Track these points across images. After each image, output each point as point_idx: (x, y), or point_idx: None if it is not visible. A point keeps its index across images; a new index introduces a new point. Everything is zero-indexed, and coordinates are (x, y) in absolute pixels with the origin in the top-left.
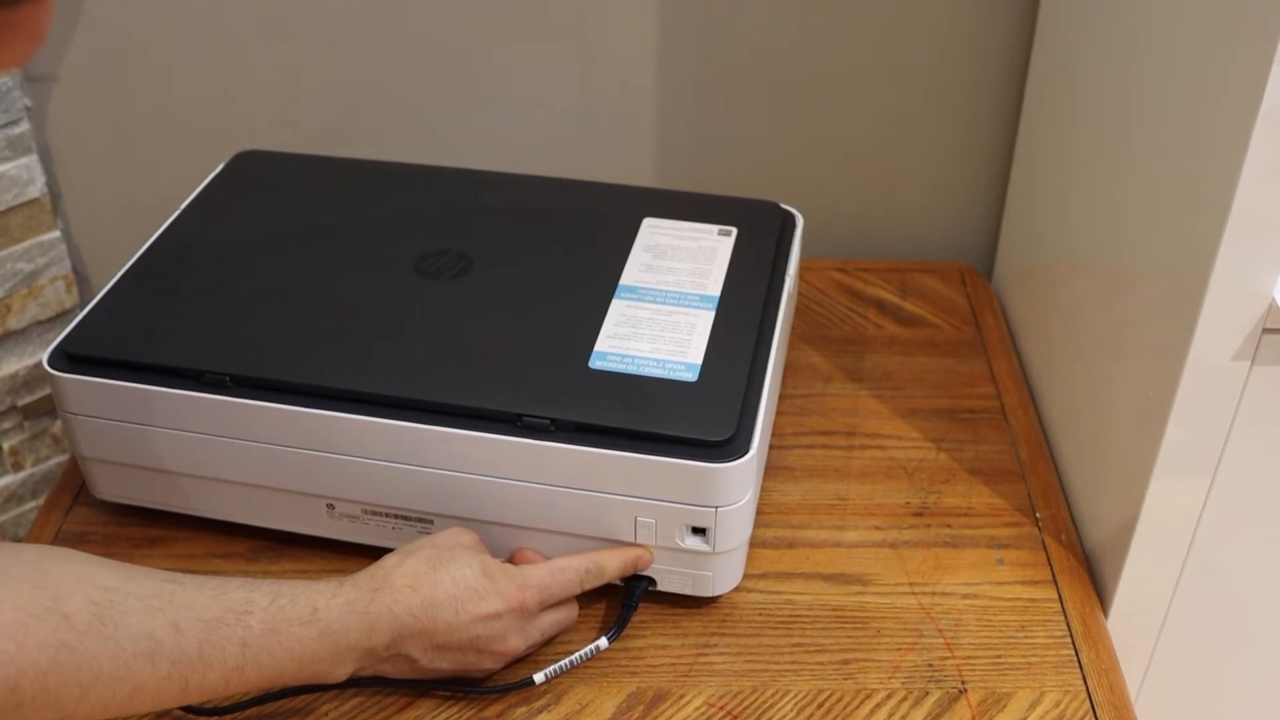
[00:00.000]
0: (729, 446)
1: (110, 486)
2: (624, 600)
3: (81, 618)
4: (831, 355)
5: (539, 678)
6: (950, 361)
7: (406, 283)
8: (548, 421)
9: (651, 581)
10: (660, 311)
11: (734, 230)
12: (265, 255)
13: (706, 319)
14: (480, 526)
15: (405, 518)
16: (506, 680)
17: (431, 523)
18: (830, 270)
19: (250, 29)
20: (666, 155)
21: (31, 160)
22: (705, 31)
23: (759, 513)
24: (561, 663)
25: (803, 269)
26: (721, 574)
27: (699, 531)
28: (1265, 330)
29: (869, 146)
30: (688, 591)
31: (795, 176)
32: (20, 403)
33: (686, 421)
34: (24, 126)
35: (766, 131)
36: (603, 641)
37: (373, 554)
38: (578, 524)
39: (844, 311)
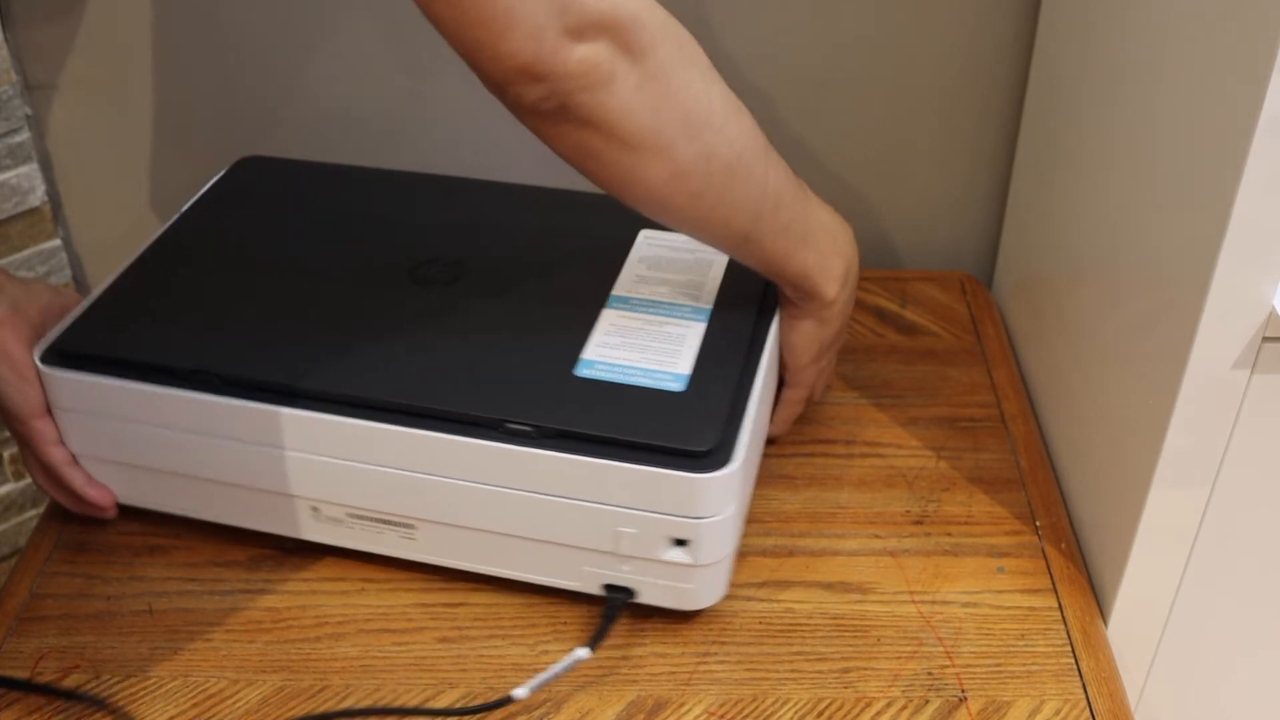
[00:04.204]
0: (712, 457)
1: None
2: (604, 611)
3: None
4: None
5: (521, 693)
6: (950, 370)
7: (399, 288)
8: (530, 428)
9: (630, 593)
10: (651, 322)
11: None
12: (261, 259)
13: (698, 330)
14: (461, 532)
15: (389, 522)
16: (486, 699)
17: (414, 527)
18: None
19: (251, 38)
20: None
21: (32, 169)
22: (704, 41)
23: (758, 521)
24: (542, 676)
25: None
26: (704, 587)
27: (681, 543)
28: (1265, 339)
29: (869, 155)
30: (670, 605)
31: None
32: None
33: (670, 431)
34: (24, 135)
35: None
36: (582, 652)
37: (364, 559)
38: (559, 532)
39: None
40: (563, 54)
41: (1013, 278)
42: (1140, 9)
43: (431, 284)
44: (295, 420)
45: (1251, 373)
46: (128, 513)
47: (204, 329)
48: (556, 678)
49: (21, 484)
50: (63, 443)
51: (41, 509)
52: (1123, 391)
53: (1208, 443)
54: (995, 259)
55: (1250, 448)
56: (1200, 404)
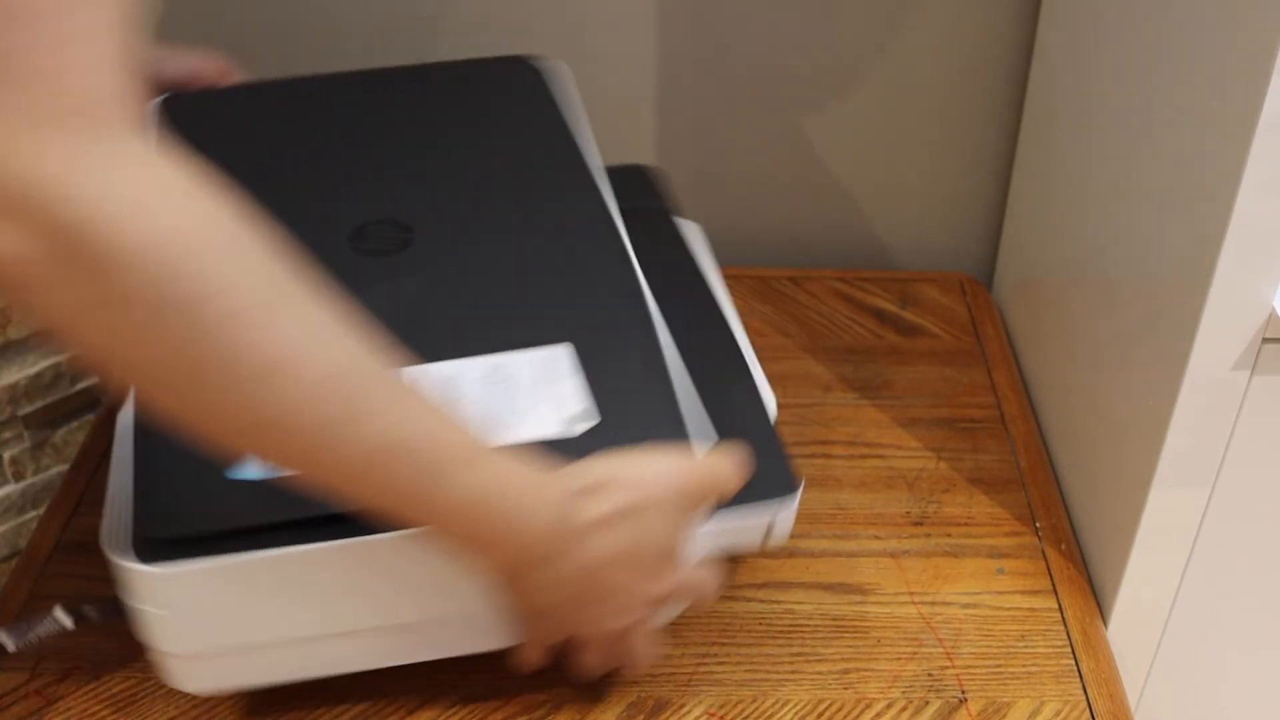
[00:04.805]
0: (167, 548)
1: None
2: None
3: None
4: (831, 365)
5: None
6: (950, 371)
7: (341, 253)
8: None
9: (85, 615)
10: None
11: None
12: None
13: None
14: None
15: None
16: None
17: None
18: (830, 280)
19: (247, 40)
20: (665, 166)
21: None
22: (704, 41)
23: None
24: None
25: (803, 279)
26: (171, 669)
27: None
28: (1265, 340)
29: (869, 156)
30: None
31: (795, 186)
32: (21, 412)
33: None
34: None
35: (766, 141)
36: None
37: None
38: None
39: (844, 321)
40: None
41: (1013, 278)
42: (1140, 10)
43: (373, 254)
44: None
45: (1251, 374)
46: None
47: None
48: (40, 636)
49: (21, 485)
50: None
51: (42, 509)
52: (1123, 392)
53: (1208, 443)
54: (995, 260)
55: (1250, 448)
56: (1200, 405)
